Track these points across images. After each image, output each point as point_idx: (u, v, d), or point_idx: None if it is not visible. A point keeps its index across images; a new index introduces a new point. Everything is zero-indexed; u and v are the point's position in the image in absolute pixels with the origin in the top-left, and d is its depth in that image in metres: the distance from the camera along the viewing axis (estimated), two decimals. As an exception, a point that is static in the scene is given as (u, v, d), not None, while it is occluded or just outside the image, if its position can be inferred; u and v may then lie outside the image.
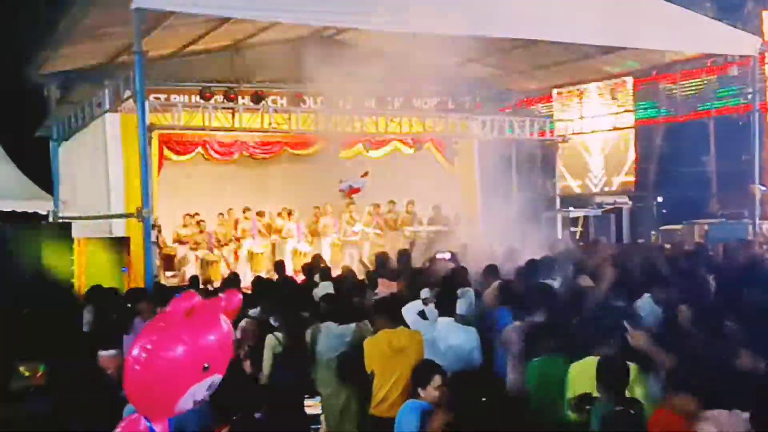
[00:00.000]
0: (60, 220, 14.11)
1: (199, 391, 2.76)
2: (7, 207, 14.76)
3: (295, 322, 6.78)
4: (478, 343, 6.21)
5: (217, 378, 2.83)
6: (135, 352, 2.67)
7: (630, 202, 18.71)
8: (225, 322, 2.84)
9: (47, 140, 15.79)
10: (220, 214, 16.07)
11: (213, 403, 4.50)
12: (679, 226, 17.33)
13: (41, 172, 15.95)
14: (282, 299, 7.31)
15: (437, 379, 4.53)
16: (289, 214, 16.35)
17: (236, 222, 15.99)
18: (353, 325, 6.63)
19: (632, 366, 4.75)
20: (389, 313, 6.26)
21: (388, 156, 16.76)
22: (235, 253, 15.69)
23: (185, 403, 2.76)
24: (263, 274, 12.87)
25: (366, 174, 16.28)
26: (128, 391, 2.68)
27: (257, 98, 15.35)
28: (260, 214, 16.22)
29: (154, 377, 2.65)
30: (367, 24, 10.59)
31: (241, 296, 2.94)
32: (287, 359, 6.59)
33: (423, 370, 4.61)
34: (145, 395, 2.68)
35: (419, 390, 4.48)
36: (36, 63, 14.07)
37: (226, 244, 15.69)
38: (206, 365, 2.70)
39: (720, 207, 20.98)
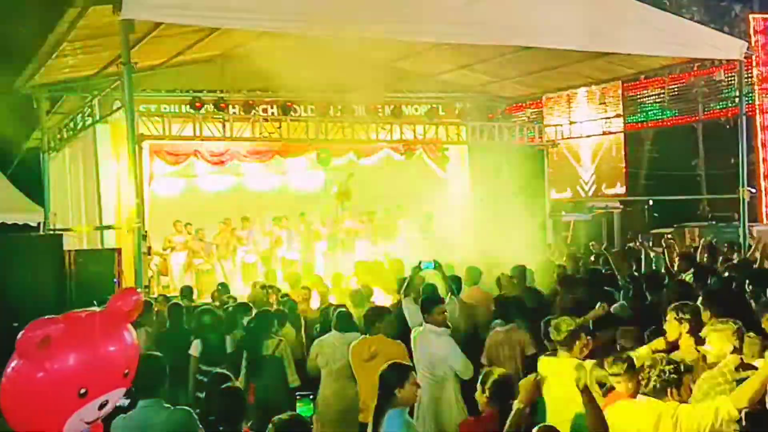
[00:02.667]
0: (51, 232, 14.08)
1: (87, 414, 2.59)
2: (-2, 219, 14.73)
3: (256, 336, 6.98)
4: (452, 349, 6.22)
5: (114, 394, 2.67)
6: None
7: (621, 206, 18.81)
8: (105, 337, 2.60)
9: (37, 151, 15.78)
10: (222, 222, 16.06)
11: (200, 416, 4.53)
12: (669, 230, 17.41)
13: (32, 184, 15.90)
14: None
15: (412, 377, 4.58)
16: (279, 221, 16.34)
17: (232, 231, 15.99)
18: (356, 333, 6.72)
19: None
20: (381, 321, 6.30)
21: (379, 164, 16.79)
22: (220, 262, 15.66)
23: (73, 427, 2.59)
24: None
25: (351, 175, 16.38)
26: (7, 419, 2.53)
27: (247, 107, 15.36)
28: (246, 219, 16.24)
29: (21, 413, 2.49)
30: (357, 32, 10.61)
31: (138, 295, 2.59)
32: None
33: (398, 370, 4.64)
34: (19, 427, 2.52)
35: (397, 390, 4.48)
36: (26, 74, 14.06)
37: (227, 256, 15.68)
38: (82, 391, 2.52)
39: (710, 210, 21.12)
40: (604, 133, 17.60)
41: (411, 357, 6.13)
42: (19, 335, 2.46)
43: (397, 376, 4.54)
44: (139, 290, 2.91)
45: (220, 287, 11.20)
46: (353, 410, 6.46)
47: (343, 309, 7.45)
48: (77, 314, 2.69)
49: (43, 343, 2.45)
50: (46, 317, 2.56)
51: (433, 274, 7.65)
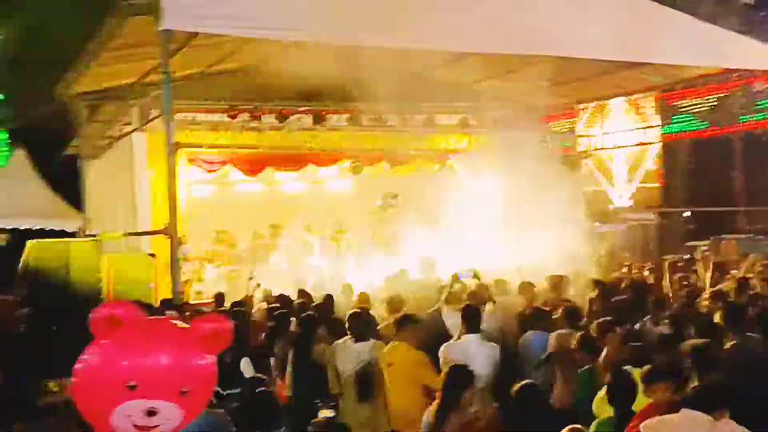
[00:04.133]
0: (89, 238, 14.31)
1: (134, 412, 2.58)
2: (37, 225, 15.01)
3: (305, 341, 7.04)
4: (498, 358, 6.24)
5: (166, 406, 2.63)
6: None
7: (656, 218, 18.55)
8: (172, 348, 2.62)
9: (76, 158, 16.07)
10: (254, 231, 16.24)
11: (234, 421, 4.58)
12: (706, 242, 17.15)
13: (70, 190, 16.19)
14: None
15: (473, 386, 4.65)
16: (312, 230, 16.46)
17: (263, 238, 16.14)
18: (371, 341, 6.72)
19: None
20: (409, 329, 6.31)
21: (411, 173, 16.80)
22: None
23: (120, 422, 2.60)
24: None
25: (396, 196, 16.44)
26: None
27: (281, 116, 15.52)
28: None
29: (83, 388, 2.61)
30: (390, 42, 10.66)
31: (227, 326, 2.51)
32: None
33: (464, 375, 4.70)
34: (81, 406, 2.62)
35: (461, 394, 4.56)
36: (65, 82, 14.36)
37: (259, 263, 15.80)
38: (131, 383, 2.55)
39: (748, 222, 20.74)
40: (639, 144, 17.41)
41: (436, 365, 6.14)
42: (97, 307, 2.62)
43: (460, 381, 4.60)
44: (228, 321, 2.84)
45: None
46: (375, 415, 6.52)
47: (359, 312, 7.42)
48: (160, 317, 2.75)
49: (112, 320, 2.54)
50: (130, 302, 2.67)
51: (471, 283, 7.68)
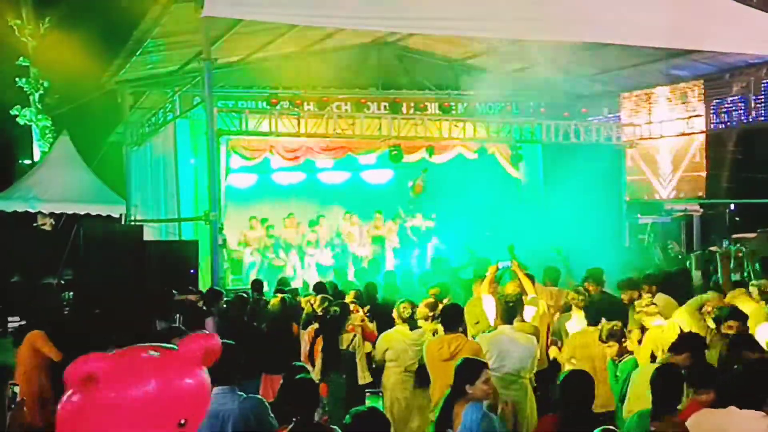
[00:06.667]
0: (132, 223, 14.54)
1: None
2: (82, 210, 15.29)
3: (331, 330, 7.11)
4: (535, 349, 6.17)
5: None
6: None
7: (701, 209, 18.20)
8: (160, 382, 2.45)
9: (120, 145, 16.32)
10: (289, 215, 16.31)
11: (273, 405, 4.59)
12: (752, 234, 16.77)
13: (114, 177, 16.47)
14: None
15: (485, 374, 4.54)
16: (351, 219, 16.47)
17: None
18: (421, 330, 6.73)
19: None
20: (452, 319, 6.26)
21: (451, 162, 16.68)
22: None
23: None
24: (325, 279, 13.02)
25: (425, 171, 16.33)
26: None
27: (322, 104, 15.54)
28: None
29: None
30: (432, 30, 10.59)
31: (214, 341, 2.35)
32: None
33: (469, 366, 4.61)
34: None
35: (467, 387, 4.45)
36: (111, 70, 14.57)
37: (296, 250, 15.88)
38: (182, 421, 2.43)
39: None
40: (684, 134, 17.05)
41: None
42: (68, 367, 2.40)
43: (468, 372, 4.52)
44: (214, 336, 2.66)
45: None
46: (414, 403, 6.50)
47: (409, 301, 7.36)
48: (136, 351, 2.58)
49: (88, 379, 2.38)
50: (98, 353, 2.48)
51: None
